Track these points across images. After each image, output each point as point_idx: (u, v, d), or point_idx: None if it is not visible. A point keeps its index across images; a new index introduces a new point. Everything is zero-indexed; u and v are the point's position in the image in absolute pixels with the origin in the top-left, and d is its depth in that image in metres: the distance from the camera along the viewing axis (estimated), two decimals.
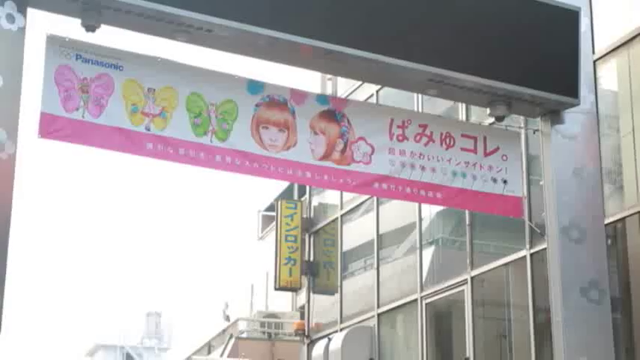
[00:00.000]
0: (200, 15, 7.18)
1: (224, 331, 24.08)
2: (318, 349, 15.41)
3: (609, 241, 9.66)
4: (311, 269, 17.04)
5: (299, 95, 8.05)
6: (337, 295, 16.13)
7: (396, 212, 14.87)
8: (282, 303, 24.15)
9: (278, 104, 7.93)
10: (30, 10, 6.97)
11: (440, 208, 13.36)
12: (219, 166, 7.72)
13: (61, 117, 7.18)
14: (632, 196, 10.26)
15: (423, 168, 8.27)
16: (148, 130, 7.47)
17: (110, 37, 7.44)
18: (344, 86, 16.38)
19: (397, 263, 14.91)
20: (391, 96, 14.20)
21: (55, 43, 7.24)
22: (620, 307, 10.06)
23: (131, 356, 71.44)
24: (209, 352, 24.19)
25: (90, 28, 7.14)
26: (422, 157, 8.28)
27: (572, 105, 8.34)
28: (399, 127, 8.29)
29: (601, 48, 10.54)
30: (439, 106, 12.81)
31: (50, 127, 7.14)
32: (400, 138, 8.27)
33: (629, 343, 10.17)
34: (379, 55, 7.62)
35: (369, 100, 14.96)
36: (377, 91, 15.07)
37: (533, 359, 11.11)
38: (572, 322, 7.94)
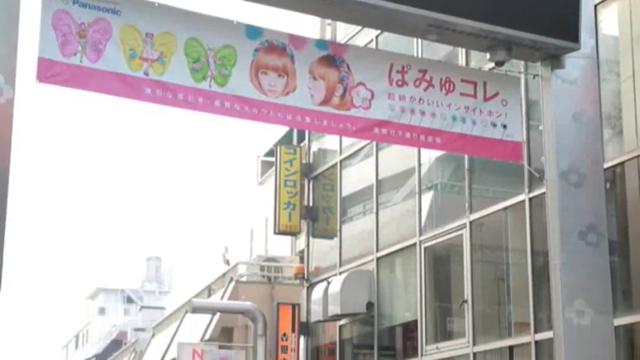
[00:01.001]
0: None
1: (224, 274, 24.22)
2: (318, 292, 15.52)
3: (608, 185, 9.70)
4: (310, 214, 17.11)
5: (298, 40, 8.02)
6: (336, 240, 16.21)
7: (396, 157, 14.89)
8: (282, 247, 24.26)
9: (277, 49, 7.89)
10: None
11: (439, 152, 13.37)
12: (218, 111, 7.72)
13: (58, 62, 7.16)
14: (631, 140, 10.27)
15: (422, 113, 8.26)
16: (147, 75, 7.46)
17: None
18: (343, 32, 16.30)
19: (396, 208, 14.96)
20: (391, 41, 14.13)
21: None
22: (617, 251, 10.12)
23: (132, 299, 71.96)
24: (209, 296, 24.35)
25: None
26: (421, 102, 8.27)
27: (573, 49, 8.30)
28: (398, 72, 8.27)
29: None
30: (439, 51, 12.75)
31: (48, 72, 7.13)
32: (400, 83, 8.25)
33: (627, 285, 10.25)
34: (378, 0, 7.57)
35: (369, 46, 14.90)
36: (376, 37, 15.00)
37: (531, 302, 11.21)
38: (570, 265, 7.99)
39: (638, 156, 10.08)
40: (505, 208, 12.11)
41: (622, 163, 10.30)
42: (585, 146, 8.30)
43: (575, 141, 8.27)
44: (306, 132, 17.82)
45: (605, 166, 9.34)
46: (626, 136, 10.45)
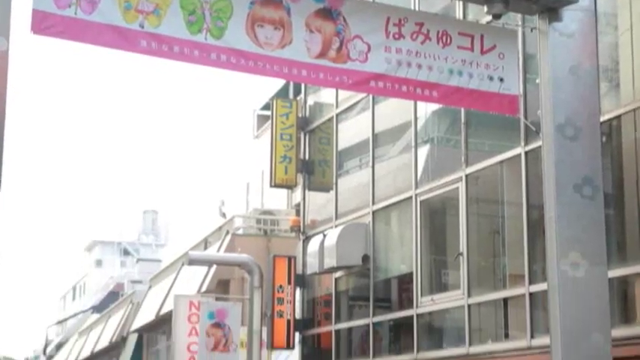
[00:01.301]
0: None
1: (220, 228, 24.29)
2: (314, 245, 15.59)
3: (604, 139, 9.71)
4: (306, 167, 17.12)
5: None
6: (332, 193, 16.25)
7: (392, 111, 14.87)
8: (278, 201, 24.31)
9: (273, 2, 7.85)
10: None
11: (436, 106, 13.36)
12: (214, 63, 7.69)
13: (53, 14, 7.13)
14: (628, 93, 10.26)
15: (419, 66, 8.24)
16: (142, 27, 7.43)
17: None
18: None
19: (392, 161, 14.98)
20: None
21: None
22: (612, 203, 10.16)
23: (128, 252, 72.24)
24: (205, 248, 24.44)
25: None
26: (418, 55, 8.25)
27: (570, 2, 8.26)
28: (395, 25, 8.23)
29: None
30: (436, 4, 12.68)
31: (42, 24, 7.10)
32: (396, 36, 8.22)
33: (621, 237, 10.31)
34: None
35: None
36: None
37: (526, 255, 11.27)
38: (565, 217, 8.03)
39: (634, 109, 10.08)
40: (501, 162, 12.13)
41: (618, 117, 10.30)
42: (582, 99, 8.29)
43: (572, 94, 8.26)
44: (303, 85, 17.77)
45: (602, 119, 9.34)
46: (622, 89, 10.44)
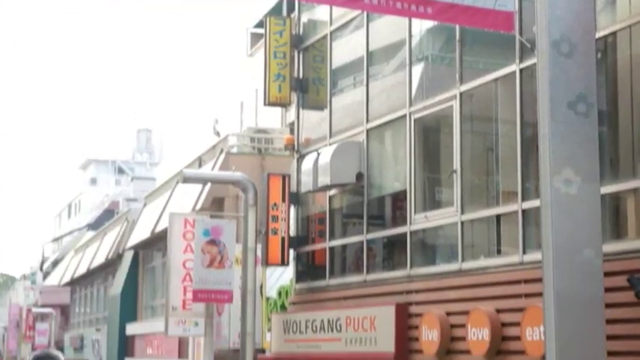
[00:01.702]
0: None
1: (214, 146, 24.32)
2: (308, 163, 15.63)
3: (599, 55, 9.68)
4: (300, 85, 17.06)
5: None
6: (326, 111, 16.23)
7: (386, 28, 14.77)
8: (272, 120, 24.30)
9: None
10: None
11: (430, 24, 13.27)
12: None
13: None
14: (624, 9, 10.20)
15: None
16: None
17: None
18: None
19: (386, 79, 14.93)
20: None
21: None
22: (606, 121, 10.19)
23: (123, 170, 72.37)
24: (200, 167, 24.51)
25: None
26: None
27: None
28: None
29: None
30: None
31: None
32: None
33: (614, 155, 10.36)
34: None
35: None
36: None
37: (519, 172, 11.33)
38: (558, 135, 8.04)
39: (630, 25, 10.03)
40: (495, 80, 12.11)
41: (614, 33, 10.25)
42: (577, 15, 8.23)
43: (568, 10, 8.19)
44: (296, 3, 17.60)
45: (597, 35, 9.31)
46: (619, 5, 10.38)
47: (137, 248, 30.52)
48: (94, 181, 74.55)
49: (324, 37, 16.60)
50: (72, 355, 38.99)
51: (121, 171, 72.49)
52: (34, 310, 51.16)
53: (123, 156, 74.92)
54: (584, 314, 8.03)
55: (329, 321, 14.65)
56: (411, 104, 13.76)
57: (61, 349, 44.37)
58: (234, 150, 22.69)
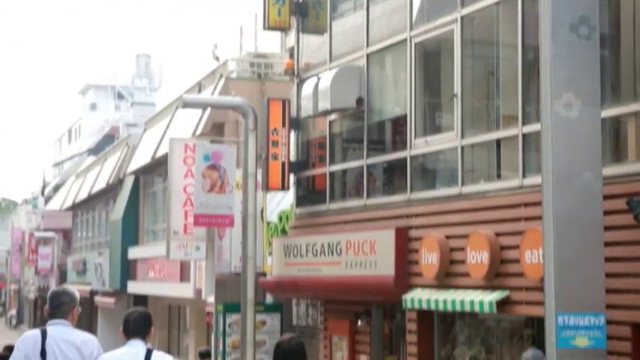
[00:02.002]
0: None
1: (214, 71, 24.20)
2: (308, 87, 15.57)
3: None
4: (300, 9, 16.89)
5: None
6: (326, 35, 16.10)
7: None
8: (272, 44, 24.12)
9: None
10: None
11: None
12: None
13: None
14: None
15: None
16: None
17: None
18: None
19: (387, 3, 14.78)
20: None
21: None
22: (608, 43, 10.12)
23: (122, 95, 72.16)
24: (199, 92, 24.43)
25: None
26: None
27: None
28: None
29: None
30: None
31: None
32: None
33: (616, 78, 10.32)
34: None
35: None
36: None
37: (520, 96, 11.29)
38: (560, 58, 8.00)
39: None
40: (497, 3, 11.99)
41: None
42: None
43: None
44: None
45: None
46: None
47: (138, 173, 30.59)
48: (93, 107, 74.39)
49: None
50: (75, 278, 39.36)
51: (120, 96, 72.27)
52: (37, 234, 51.56)
53: (122, 81, 74.63)
54: (582, 237, 8.10)
55: (329, 245, 14.76)
56: (411, 28, 13.65)
57: (64, 272, 44.81)
58: (234, 75, 22.58)
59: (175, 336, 29.11)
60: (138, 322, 7.55)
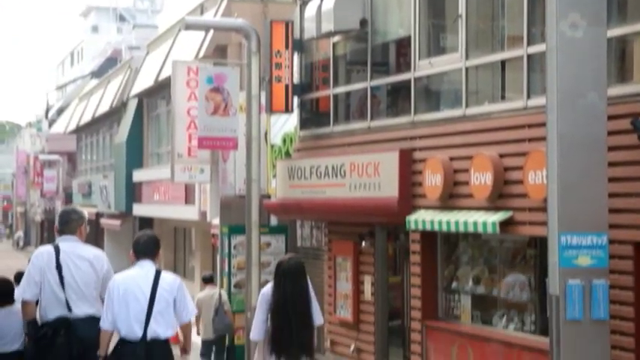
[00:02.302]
0: None
1: None
2: (311, 9, 15.43)
3: None
4: None
5: None
6: None
7: None
8: None
9: None
10: None
11: None
12: None
13: None
14: None
15: None
16: None
17: None
18: None
19: None
20: None
21: None
22: None
23: (124, 18, 71.55)
24: (202, 14, 24.24)
25: None
26: None
27: None
28: None
29: None
30: None
31: None
32: None
33: None
34: None
35: None
36: None
37: (525, 17, 11.17)
38: None
39: None
40: None
41: None
42: None
43: None
44: None
45: None
46: None
47: (141, 96, 30.53)
48: (95, 29, 73.85)
49: None
50: (80, 200, 39.58)
51: (122, 18, 71.66)
52: (42, 157, 51.68)
53: (124, 3, 73.93)
54: (586, 157, 8.12)
55: (333, 167, 14.79)
56: None
57: (69, 195, 45.04)
58: None
59: (181, 257, 29.39)
60: (147, 245, 8.03)
